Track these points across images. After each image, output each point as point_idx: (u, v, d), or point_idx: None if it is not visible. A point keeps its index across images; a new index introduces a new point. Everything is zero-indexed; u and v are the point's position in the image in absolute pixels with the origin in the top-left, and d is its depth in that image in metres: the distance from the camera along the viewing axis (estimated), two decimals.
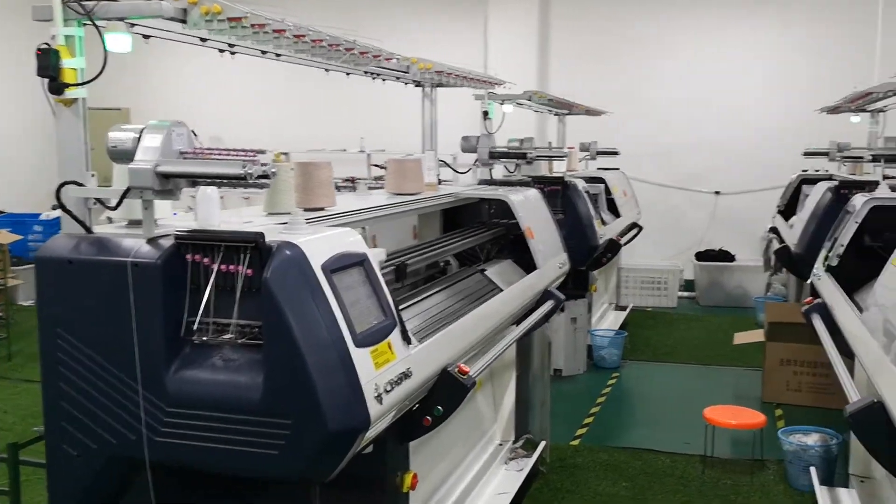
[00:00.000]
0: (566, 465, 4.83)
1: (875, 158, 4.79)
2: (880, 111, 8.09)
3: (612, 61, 10.43)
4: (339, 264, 2.49)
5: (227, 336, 2.36)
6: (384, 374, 2.48)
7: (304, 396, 2.24)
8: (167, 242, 2.40)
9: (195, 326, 2.37)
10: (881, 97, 6.13)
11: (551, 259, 4.85)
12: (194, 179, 2.37)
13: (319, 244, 2.46)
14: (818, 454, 4.44)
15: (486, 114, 6.19)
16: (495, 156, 5.55)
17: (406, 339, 2.71)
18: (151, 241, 2.42)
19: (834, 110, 8.31)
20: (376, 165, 10.81)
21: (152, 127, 2.40)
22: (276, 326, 2.26)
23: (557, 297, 4.49)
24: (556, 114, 8.99)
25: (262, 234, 2.34)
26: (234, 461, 2.31)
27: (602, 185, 7.84)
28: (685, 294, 9.90)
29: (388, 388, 2.48)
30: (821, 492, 4.09)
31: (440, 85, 5.05)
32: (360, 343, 2.39)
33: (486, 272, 4.41)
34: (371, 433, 2.42)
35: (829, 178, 7.52)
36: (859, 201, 4.50)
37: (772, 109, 9.94)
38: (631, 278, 9.52)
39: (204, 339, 2.37)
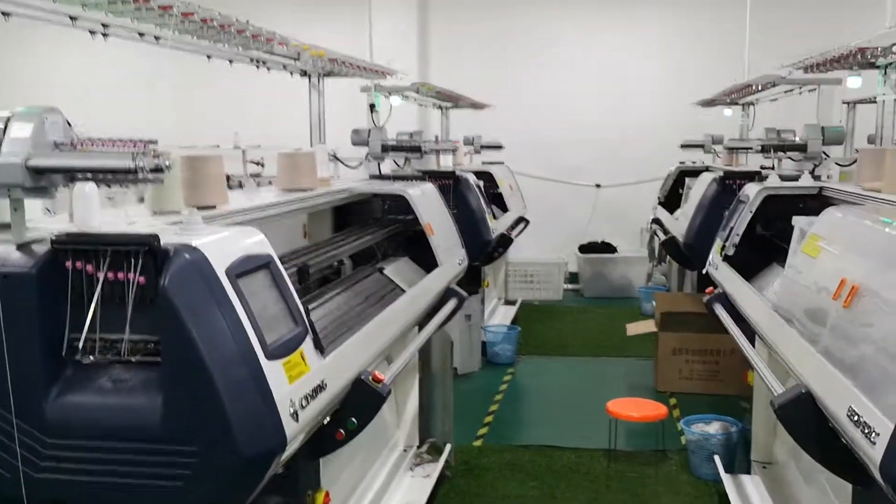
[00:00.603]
0: (471, 468, 4.69)
1: (764, 149, 4.89)
2: (750, 104, 8.40)
3: (491, 55, 10.40)
4: (244, 268, 2.24)
5: (118, 354, 2.07)
6: (299, 388, 2.25)
7: (213, 418, 1.98)
8: (42, 248, 2.08)
9: (79, 344, 2.06)
10: (759, 89, 6.30)
11: (451, 255, 4.70)
12: (74, 174, 2.05)
13: (221, 246, 2.21)
14: (720, 442, 4.48)
15: (372, 106, 5.97)
16: (388, 149, 5.35)
17: (319, 347, 2.48)
18: (22, 246, 2.09)
19: (710, 103, 8.56)
20: (252, 162, 10.38)
21: (21, 114, 2.06)
22: (177, 340, 1.99)
23: (460, 295, 4.35)
24: (440, 107, 8.86)
25: (156, 237, 2.05)
26: (132, 496, 2.02)
27: (487, 180, 7.76)
28: (570, 286, 9.99)
29: (304, 403, 2.25)
30: (727, 480, 4.11)
31: (330, 74, 4.80)
32: (271, 355, 2.15)
33: (384, 271, 4.21)
34: (286, 454, 2.18)
35: (707, 169, 7.74)
36: (752, 191, 4.56)
37: (648, 103, 10.15)
38: (518, 272, 9.51)
39: (90, 358, 2.07)
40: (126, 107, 10.13)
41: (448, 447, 4.49)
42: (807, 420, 2.51)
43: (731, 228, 4.54)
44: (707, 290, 4.27)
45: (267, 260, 2.39)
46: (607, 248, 10.13)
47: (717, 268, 4.56)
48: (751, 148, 5.13)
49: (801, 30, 9.24)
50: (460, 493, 4.40)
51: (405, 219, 4.65)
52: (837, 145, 5.03)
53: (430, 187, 4.93)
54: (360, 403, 2.67)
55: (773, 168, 5.90)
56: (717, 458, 4.33)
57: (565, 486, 4.50)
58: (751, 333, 3.67)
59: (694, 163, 8.56)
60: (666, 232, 7.18)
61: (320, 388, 2.38)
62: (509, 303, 8.69)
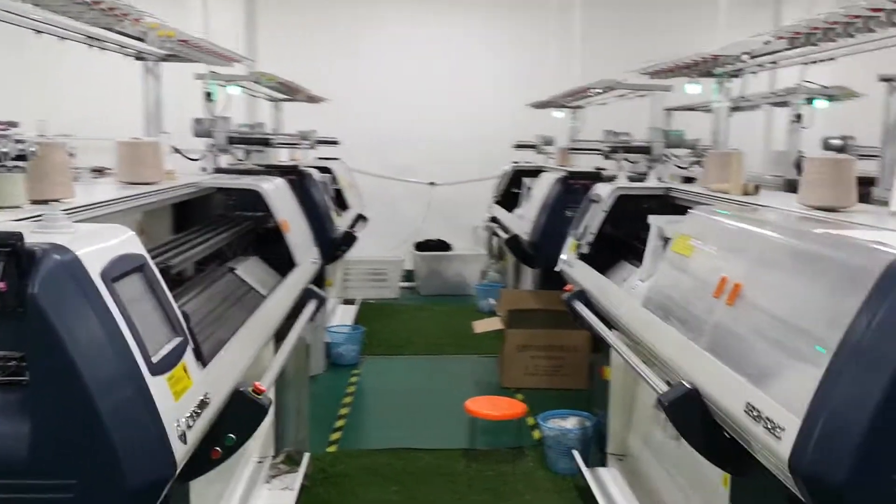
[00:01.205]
0: (329, 475, 4.50)
1: (614, 150, 5.04)
2: (579, 108, 8.70)
3: (322, 50, 10.17)
4: (119, 270, 1.98)
5: None
6: (184, 406, 2.02)
7: (93, 446, 1.72)
8: None
9: None
10: (601, 92, 6.52)
11: (306, 254, 4.50)
12: None
13: (93, 246, 1.93)
14: (577, 437, 4.56)
15: (209, 95, 5.63)
16: (234, 141, 5.04)
17: (200, 358, 2.25)
18: None
19: (543, 105, 8.77)
20: None
21: None
22: (49, 356, 1.71)
23: (320, 296, 4.15)
24: (273, 99, 8.52)
25: (20, 235, 1.75)
26: None
27: (329, 176, 7.56)
28: (406, 284, 9.94)
29: (191, 422, 2.02)
30: (587, 473, 4.19)
31: (170, 58, 4.44)
32: (155, 370, 1.92)
33: (236, 271, 3.95)
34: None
35: (540, 169, 7.93)
36: (605, 190, 4.67)
37: (480, 103, 10.28)
38: (355, 271, 9.35)
39: None
40: None
41: (306, 456, 4.28)
42: (694, 417, 2.56)
43: (586, 227, 4.63)
44: (566, 288, 4.32)
45: (141, 261, 2.13)
46: (442, 245, 10.18)
47: (573, 266, 4.64)
48: (598, 149, 5.28)
49: (630, 35, 9.71)
50: (321, 501, 4.20)
51: (255, 215, 4.39)
52: (678, 148, 5.27)
53: (281, 182, 4.70)
54: (240, 417, 2.44)
55: (609, 169, 6.13)
56: (576, 453, 4.40)
57: (427, 488, 4.42)
58: (608, 329, 3.74)
59: (528, 163, 8.76)
60: (506, 230, 7.28)
61: (204, 403, 2.15)
62: (348, 302, 8.52)
